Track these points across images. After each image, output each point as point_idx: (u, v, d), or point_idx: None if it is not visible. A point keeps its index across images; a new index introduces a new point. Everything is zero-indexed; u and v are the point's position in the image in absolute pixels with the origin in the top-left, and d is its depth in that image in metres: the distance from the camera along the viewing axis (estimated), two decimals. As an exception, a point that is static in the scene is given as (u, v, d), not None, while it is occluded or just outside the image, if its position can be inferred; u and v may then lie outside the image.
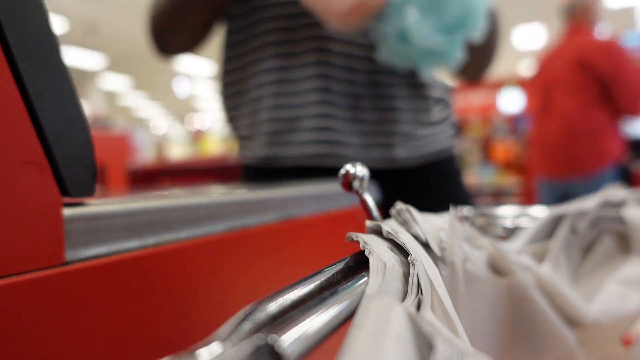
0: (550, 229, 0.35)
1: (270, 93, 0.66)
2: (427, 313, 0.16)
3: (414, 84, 0.68)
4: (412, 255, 0.19)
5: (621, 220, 0.35)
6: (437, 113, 0.71)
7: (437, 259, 0.23)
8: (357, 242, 0.20)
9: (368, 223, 0.21)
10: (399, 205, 0.24)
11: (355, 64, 0.65)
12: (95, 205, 0.28)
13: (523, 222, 0.40)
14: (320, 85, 0.65)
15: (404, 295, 0.17)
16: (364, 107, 0.66)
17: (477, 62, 0.72)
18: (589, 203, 0.36)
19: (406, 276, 0.18)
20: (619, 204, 0.36)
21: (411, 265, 0.19)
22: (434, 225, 0.24)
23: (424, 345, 0.12)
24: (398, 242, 0.20)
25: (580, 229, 0.35)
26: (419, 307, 0.17)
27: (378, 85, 0.66)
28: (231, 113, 0.74)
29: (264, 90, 0.66)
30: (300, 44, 0.65)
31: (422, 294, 0.17)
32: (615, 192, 0.37)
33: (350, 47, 0.65)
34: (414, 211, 0.24)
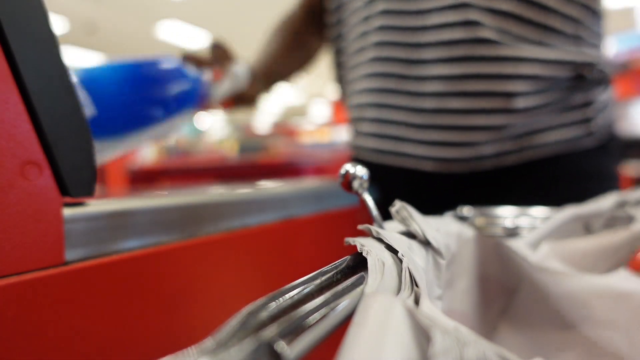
0: (564, 229, 0.35)
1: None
2: (425, 305, 0.16)
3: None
4: (400, 251, 0.19)
5: (630, 219, 0.34)
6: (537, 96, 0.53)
7: (435, 254, 0.23)
8: (355, 245, 0.20)
9: (360, 226, 0.22)
10: (398, 204, 0.24)
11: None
12: (95, 205, 0.28)
13: (523, 222, 0.40)
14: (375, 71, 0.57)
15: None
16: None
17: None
18: (605, 202, 0.36)
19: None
20: (636, 204, 0.36)
21: (401, 261, 0.19)
22: (432, 224, 0.25)
23: (424, 338, 0.12)
24: (385, 240, 0.20)
25: (594, 229, 0.35)
26: (417, 300, 0.17)
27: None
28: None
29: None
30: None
31: (417, 286, 0.18)
32: (634, 192, 0.37)
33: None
34: (411, 209, 0.24)
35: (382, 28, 0.56)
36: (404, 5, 0.54)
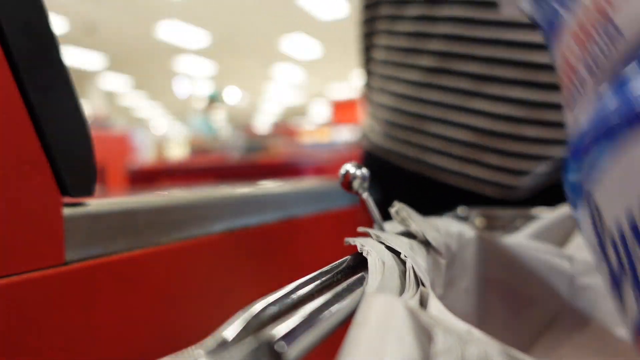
0: (557, 228, 0.35)
1: None
2: (433, 304, 0.16)
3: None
4: (402, 252, 0.19)
5: None
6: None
7: (436, 254, 0.23)
8: (355, 245, 0.20)
9: (360, 229, 0.22)
10: (397, 205, 0.24)
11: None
12: (95, 205, 0.28)
13: (523, 222, 0.40)
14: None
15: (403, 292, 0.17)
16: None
17: None
18: None
19: (405, 274, 0.18)
20: None
21: (404, 262, 0.19)
22: (432, 224, 0.25)
23: (426, 338, 0.12)
24: (386, 243, 0.20)
25: None
26: (422, 301, 0.17)
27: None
28: None
29: None
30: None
31: (424, 286, 0.18)
32: None
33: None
34: (410, 210, 0.24)
35: (447, 37, 0.50)
36: (474, 13, 0.48)
